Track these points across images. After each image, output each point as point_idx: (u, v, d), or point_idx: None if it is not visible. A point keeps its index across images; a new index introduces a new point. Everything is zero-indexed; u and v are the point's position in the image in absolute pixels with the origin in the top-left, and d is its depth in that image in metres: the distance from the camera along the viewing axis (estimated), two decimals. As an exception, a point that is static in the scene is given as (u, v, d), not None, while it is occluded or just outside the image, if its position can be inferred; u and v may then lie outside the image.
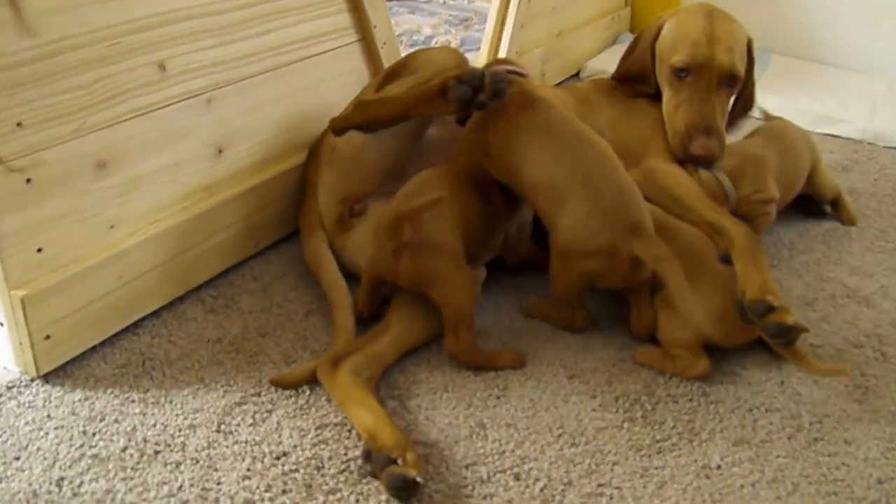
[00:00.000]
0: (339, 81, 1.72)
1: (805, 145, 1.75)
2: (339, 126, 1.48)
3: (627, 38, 2.91)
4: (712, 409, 1.25)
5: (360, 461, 1.13)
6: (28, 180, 1.20)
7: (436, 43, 2.75)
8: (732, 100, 1.67)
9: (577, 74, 2.66)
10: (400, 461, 1.07)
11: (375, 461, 1.09)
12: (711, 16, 1.61)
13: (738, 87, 1.64)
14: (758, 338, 1.33)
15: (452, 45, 2.73)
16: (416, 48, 2.70)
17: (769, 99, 2.38)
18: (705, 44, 1.57)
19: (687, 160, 1.58)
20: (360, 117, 1.45)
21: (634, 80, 1.72)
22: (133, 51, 1.31)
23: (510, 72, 1.51)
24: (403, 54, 1.87)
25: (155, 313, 1.43)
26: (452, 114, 1.37)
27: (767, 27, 2.80)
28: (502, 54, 2.23)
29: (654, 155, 1.59)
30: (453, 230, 1.32)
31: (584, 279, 1.33)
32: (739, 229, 1.40)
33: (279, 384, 1.27)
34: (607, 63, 2.63)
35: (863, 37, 2.71)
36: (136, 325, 1.40)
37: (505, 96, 1.33)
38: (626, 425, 1.22)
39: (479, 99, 1.31)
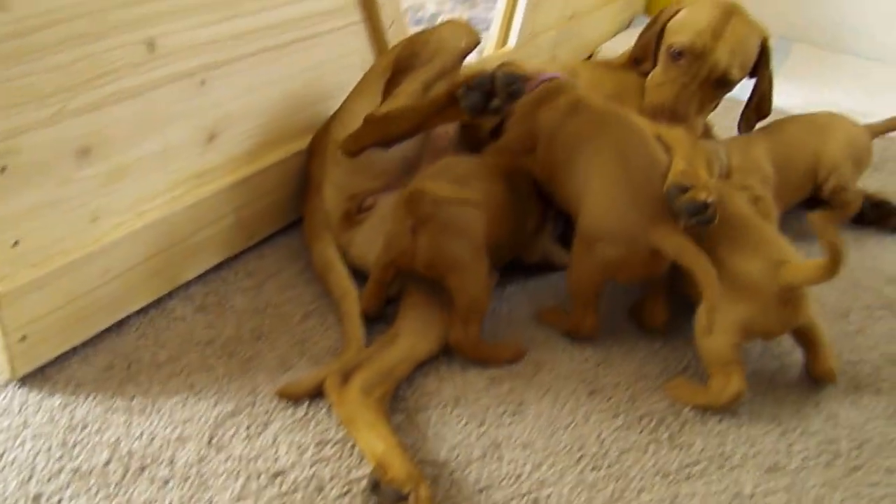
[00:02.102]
0: (342, 63, 1.61)
1: (806, 132, 1.69)
2: (351, 148, 1.38)
3: (643, 21, 2.80)
4: (743, 430, 1.16)
5: (365, 489, 1.03)
6: (3, 168, 1.09)
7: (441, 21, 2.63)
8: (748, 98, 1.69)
9: (589, 58, 2.55)
10: (411, 497, 0.98)
11: (384, 494, 1.00)
12: (729, 13, 1.59)
13: (728, 89, 1.62)
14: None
15: (459, 23, 2.62)
16: (421, 27, 2.60)
17: (791, 91, 2.30)
18: (710, 36, 1.56)
19: None
20: (372, 137, 1.36)
21: (642, 61, 1.72)
22: (119, 28, 1.19)
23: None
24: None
25: (141, 311, 1.33)
26: (468, 121, 1.31)
27: (788, 15, 2.72)
28: (513, 38, 2.12)
29: (623, 103, 1.57)
30: (477, 217, 1.25)
31: (603, 270, 1.25)
32: (675, 131, 1.38)
33: (286, 396, 1.18)
34: (621, 47, 2.52)
35: (886, 26, 2.61)
36: (120, 323, 1.30)
37: (520, 96, 1.26)
38: (651, 447, 1.13)
39: (493, 104, 1.24)
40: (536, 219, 1.38)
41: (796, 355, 1.29)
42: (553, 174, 1.33)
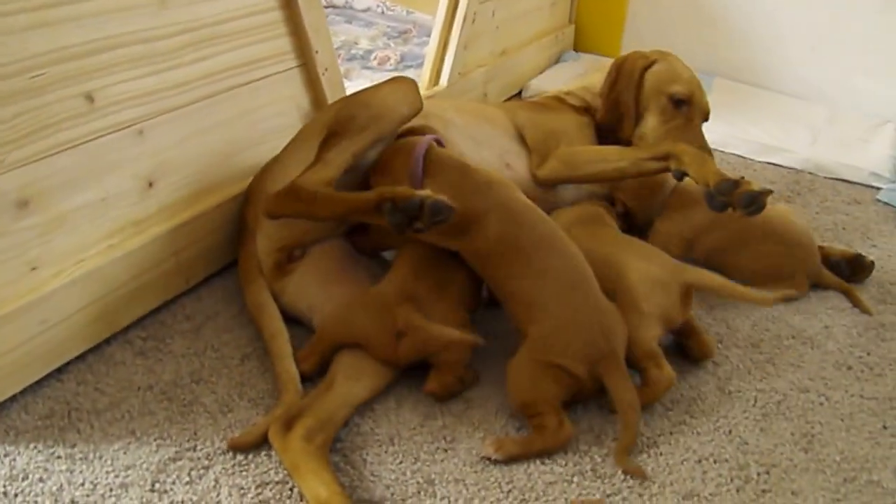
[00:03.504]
0: (277, 108, 1.65)
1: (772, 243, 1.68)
2: (273, 213, 1.38)
3: (571, 57, 2.91)
4: (662, 460, 1.23)
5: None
6: (-58, 223, 1.11)
7: (374, 59, 2.68)
8: None
9: (519, 94, 2.63)
10: None
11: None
12: (682, 61, 1.85)
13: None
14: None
15: (392, 60, 2.67)
16: (355, 63, 2.65)
17: (714, 125, 2.39)
18: (696, 85, 1.81)
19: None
20: (294, 210, 1.36)
21: (619, 118, 1.83)
22: (59, 82, 1.23)
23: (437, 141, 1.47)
24: (342, 67, 1.81)
25: (80, 357, 1.35)
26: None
27: (711, 51, 2.83)
28: (445, 76, 2.19)
29: (569, 145, 1.73)
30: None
31: (557, 388, 1.25)
32: (680, 145, 1.57)
33: (238, 447, 1.20)
34: (550, 81, 2.62)
35: (804, 63, 2.74)
36: (59, 370, 1.32)
37: (446, 224, 1.26)
38: (575, 479, 1.19)
39: (416, 227, 1.25)
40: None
41: (711, 385, 1.38)
42: (489, 275, 1.35)
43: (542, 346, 1.25)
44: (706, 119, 1.83)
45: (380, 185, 1.36)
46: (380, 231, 1.40)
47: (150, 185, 1.42)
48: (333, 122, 1.44)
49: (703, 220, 1.67)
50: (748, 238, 1.65)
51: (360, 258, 1.48)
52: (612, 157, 1.66)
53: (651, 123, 1.79)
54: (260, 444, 1.20)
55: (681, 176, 1.53)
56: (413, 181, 1.37)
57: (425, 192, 1.24)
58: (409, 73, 2.50)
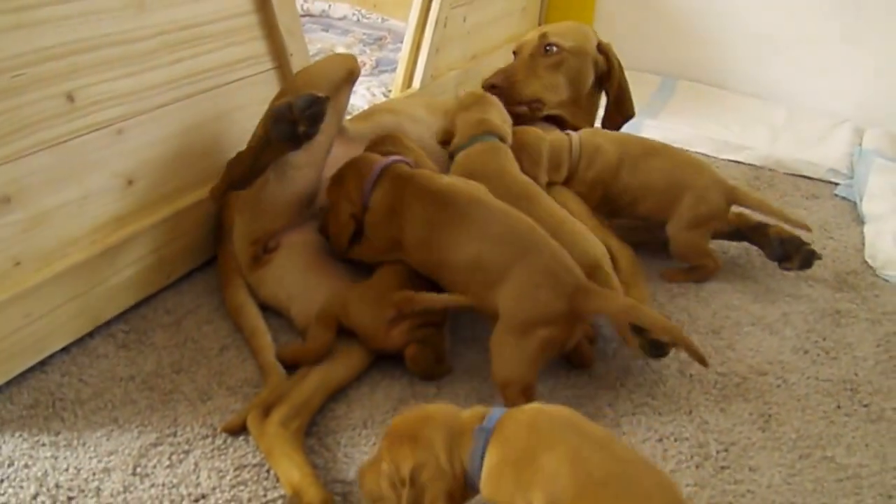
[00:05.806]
0: (254, 109, 1.69)
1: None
2: (214, 195, 1.45)
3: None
4: (625, 439, 1.28)
5: (282, 514, 1.12)
6: (-74, 218, 1.15)
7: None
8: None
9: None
10: None
11: (299, 519, 1.09)
12: None
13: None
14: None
15: (367, 66, 2.72)
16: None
17: (677, 126, 2.47)
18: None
19: None
20: (227, 181, 1.42)
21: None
22: (39, 82, 1.26)
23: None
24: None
25: (64, 350, 1.39)
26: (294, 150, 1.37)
27: (675, 55, 2.92)
28: (417, 78, 2.24)
29: None
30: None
31: (544, 352, 1.26)
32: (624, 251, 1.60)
33: (228, 431, 1.25)
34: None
35: (764, 65, 2.82)
36: (43, 363, 1.35)
37: (323, 119, 1.29)
38: (543, 458, 1.24)
39: (300, 130, 1.28)
40: None
41: (672, 368, 1.44)
42: (430, 263, 1.37)
43: (515, 310, 1.26)
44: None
45: (331, 193, 1.45)
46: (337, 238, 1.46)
47: (130, 183, 1.46)
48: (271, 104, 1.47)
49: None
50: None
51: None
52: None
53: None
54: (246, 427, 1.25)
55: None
56: (363, 194, 1.43)
57: (293, 96, 1.29)
58: (384, 78, 2.56)
